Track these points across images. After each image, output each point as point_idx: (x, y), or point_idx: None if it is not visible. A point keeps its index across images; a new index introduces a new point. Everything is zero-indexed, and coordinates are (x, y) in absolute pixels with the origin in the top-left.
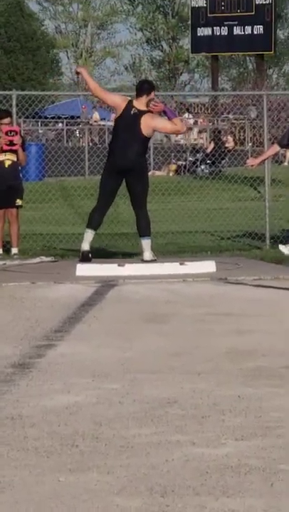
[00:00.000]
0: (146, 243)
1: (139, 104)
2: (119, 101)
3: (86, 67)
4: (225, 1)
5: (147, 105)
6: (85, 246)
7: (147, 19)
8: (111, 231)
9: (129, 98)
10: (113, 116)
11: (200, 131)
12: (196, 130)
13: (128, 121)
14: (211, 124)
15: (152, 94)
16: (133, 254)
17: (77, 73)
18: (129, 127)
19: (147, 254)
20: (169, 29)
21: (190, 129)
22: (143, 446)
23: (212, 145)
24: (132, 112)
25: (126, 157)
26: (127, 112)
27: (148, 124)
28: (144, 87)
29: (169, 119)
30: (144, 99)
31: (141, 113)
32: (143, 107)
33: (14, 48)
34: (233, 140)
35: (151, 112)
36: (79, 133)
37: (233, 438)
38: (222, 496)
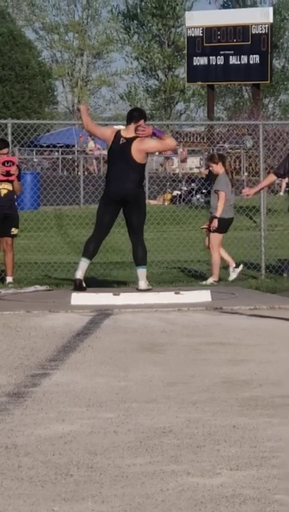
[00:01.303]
0: (141, 272)
1: (128, 132)
2: (108, 133)
3: (87, 105)
4: (221, 31)
5: (135, 131)
6: (79, 274)
7: (143, 48)
8: (106, 260)
9: (118, 129)
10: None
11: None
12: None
13: (118, 151)
14: (206, 152)
15: (141, 121)
16: (128, 283)
17: (79, 109)
18: (120, 157)
19: (142, 283)
20: (165, 58)
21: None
22: (138, 475)
23: (207, 172)
24: (120, 142)
25: (122, 187)
26: (115, 143)
27: (138, 149)
28: (132, 115)
29: (159, 138)
30: (132, 126)
31: (129, 141)
32: (132, 135)
33: (9, 77)
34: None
35: (140, 137)
36: (73, 162)
37: (228, 468)
38: None
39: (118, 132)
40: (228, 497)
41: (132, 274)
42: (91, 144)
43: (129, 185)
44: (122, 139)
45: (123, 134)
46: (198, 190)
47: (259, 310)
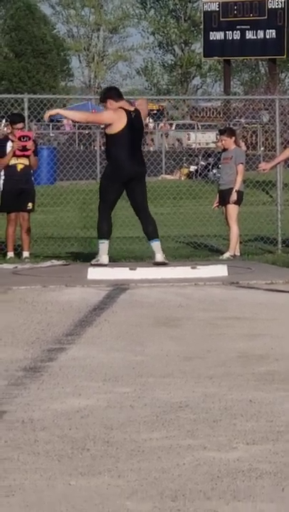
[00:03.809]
0: (156, 245)
1: (128, 106)
2: (115, 116)
3: (59, 109)
4: (237, 6)
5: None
6: (106, 259)
7: (159, 23)
8: (120, 235)
9: (119, 106)
10: None
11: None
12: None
13: (135, 126)
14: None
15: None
16: (144, 258)
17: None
18: (136, 133)
19: (159, 256)
20: (182, 33)
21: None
22: (154, 450)
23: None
24: (132, 116)
25: (137, 167)
26: (129, 119)
27: (143, 117)
28: (119, 92)
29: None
30: (124, 102)
31: (137, 113)
32: (132, 107)
33: (25, 51)
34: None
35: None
36: (90, 137)
37: (244, 442)
38: (233, 500)
39: (122, 109)
40: (244, 471)
41: (148, 248)
42: None
43: (143, 165)
44: (131, 113)
45: (127, 108)
46: (214, 164)
47: (275, 285)
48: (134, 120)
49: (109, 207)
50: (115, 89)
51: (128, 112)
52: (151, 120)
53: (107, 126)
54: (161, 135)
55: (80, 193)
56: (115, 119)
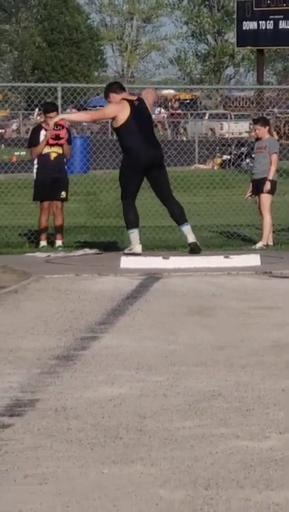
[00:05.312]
0: (186, 229)
1: (130, 96)
2: (118, 107)
3: (62, 115)
4: None
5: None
6: (139, 248)
7: (193, 13)
8: (152, 224)
9: (121, 97)
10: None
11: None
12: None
13: (139, 115)
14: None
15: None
16: (177, 247)
17: (57, 125)
18: (143, 119)
19: (191, 237)
20: (215, 23)
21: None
22: (187, 438)
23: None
24: (136, 104)
25: (153, 151)
26: (133, 108)
27: (149, 106)
28: (121, 85)
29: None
30: (128, 93)
31: (140, 100)
32: (134, 97)
33: (58, 41)
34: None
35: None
36: None
37: (277, 431)
38: (266, 489)
39: (126, 100)
40: (277, 460)
41: (182, 238)
42: None
43: (158, 147)
44: (134, 101)
45: (130, 98)
46: (247, 154)
47: None
48: (138, 108)
49: (132, 196)
50: (116, 83)
51: (131, 102)
52: (162, 110)
53: (113, 120)
54: (194, 124)
55: (113, 182)
56: (118, 110)
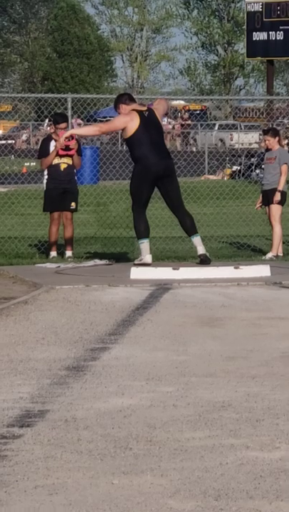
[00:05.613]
0: (197, 240)
1: (140, 107)
2: (127, 118)
3: (72, 130)
4: (281, 6)
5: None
6: (150, 258)
7: (203, 23)
8: (163, 234)
9: (131, 108)
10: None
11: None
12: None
13: (148, 124)
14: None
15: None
16: (187, 258)
17: (68, 139)
18: (153, 129)
19: (201, 249)
20: (225, 33)
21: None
22: (197, 449)
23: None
24: (146, 115)
25: (163, 160)
26: (141, 118)
27: (159, 116)
28: (131, 96)
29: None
30: (138, 104)
31: (151, 110)
32: (144, 107)
33: (68, 51)
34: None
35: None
36: None
37: (287, 442)
38: (276, 499)
39: (135, 110)
40: (287, 471)
41: (192, 249)
42: None
43: (169, 157)
44: (144, 112)
45: (139, 108)
46: (257, 165)
47: None
48: (148, 118)
49: (143, 207)
50: (126, 94)
51: (140, 112)
52: (170, 120)
53: (123, 131)
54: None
55: (122, 193)
56: (127, 121)
